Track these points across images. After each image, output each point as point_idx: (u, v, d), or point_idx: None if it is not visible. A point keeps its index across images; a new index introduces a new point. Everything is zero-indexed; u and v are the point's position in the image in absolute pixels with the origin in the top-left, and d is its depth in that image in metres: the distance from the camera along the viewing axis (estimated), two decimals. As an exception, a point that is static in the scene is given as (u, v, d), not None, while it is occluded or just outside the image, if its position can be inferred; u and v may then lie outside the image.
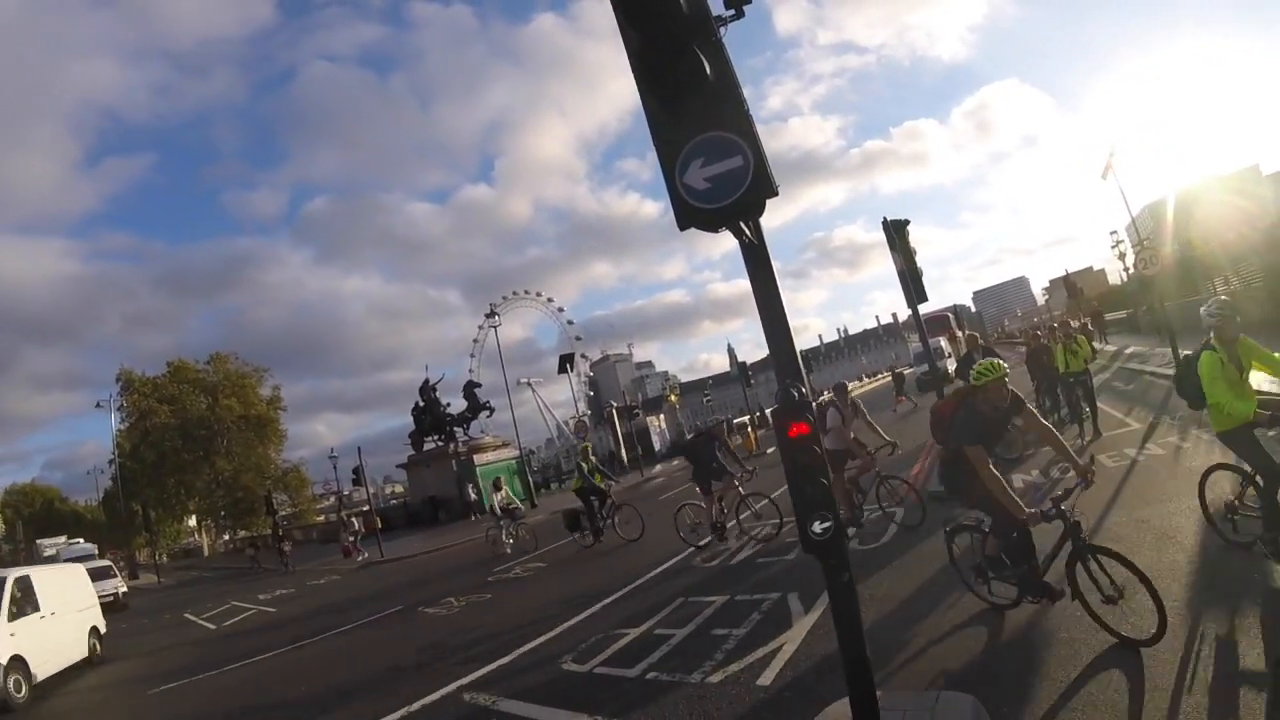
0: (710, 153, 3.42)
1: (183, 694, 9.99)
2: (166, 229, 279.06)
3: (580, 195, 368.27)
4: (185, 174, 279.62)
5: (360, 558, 25.29)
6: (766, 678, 5.50)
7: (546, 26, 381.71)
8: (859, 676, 3.53)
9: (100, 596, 25.23)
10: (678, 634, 7.10)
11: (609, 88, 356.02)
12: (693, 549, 11.37)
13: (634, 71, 3.65)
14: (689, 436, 25.43)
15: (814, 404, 11.22)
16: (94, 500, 71.45)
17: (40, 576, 13.47)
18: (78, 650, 13.75)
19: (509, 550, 16.37)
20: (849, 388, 10.58)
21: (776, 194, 3.36)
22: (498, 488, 17.57)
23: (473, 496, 34.38)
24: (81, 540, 46.26)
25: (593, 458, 16.04)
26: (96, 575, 26.78)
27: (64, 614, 13.55)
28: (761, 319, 3.55)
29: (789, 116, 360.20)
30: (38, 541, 49.49)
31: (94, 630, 14.85)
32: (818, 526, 3.32)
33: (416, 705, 6.80)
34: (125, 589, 27.44)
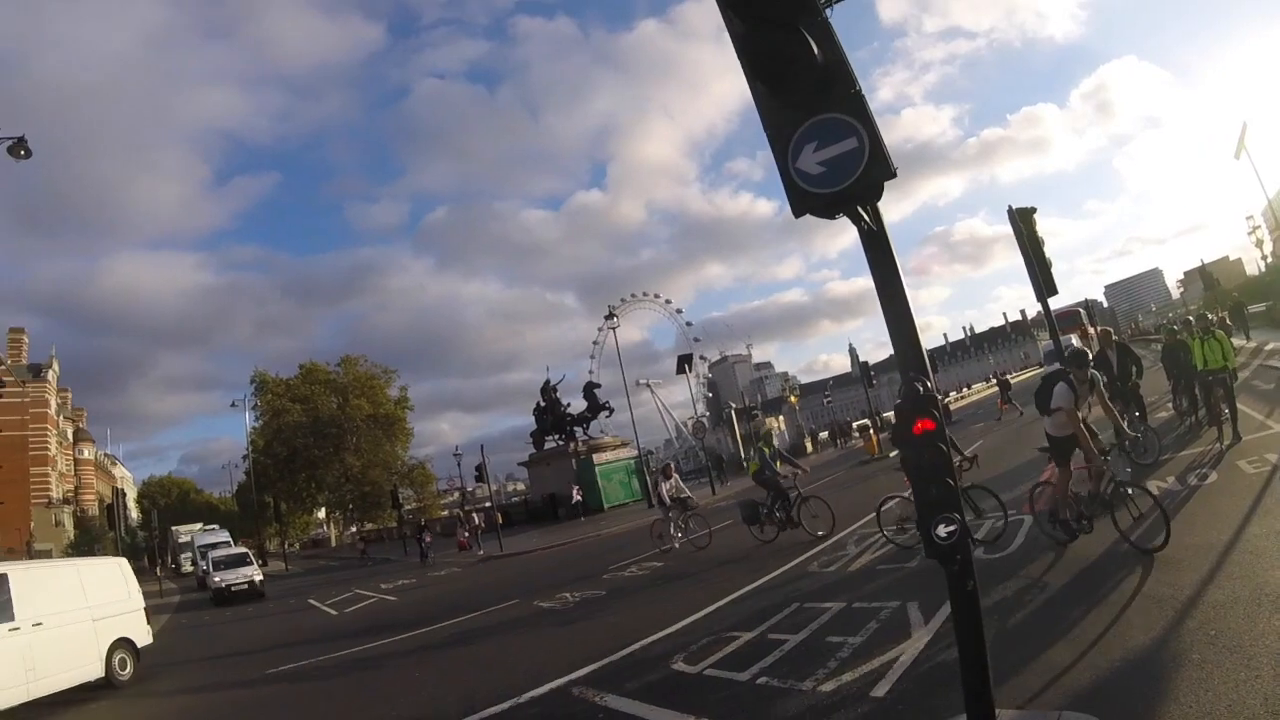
0: (823, 136, 3.27)
1: (300, 673, 10.51)
2: (293, 241, 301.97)
3: (691, 197, 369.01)
4: (308, 190, 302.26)
5: (479, 552, 26.07)
6: (881, 689, 5.26)
7: (648, 32, 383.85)
8: (978, 691, 3.30)
9: (235, 584, 25.15)
10: (791, 639, 6.90)
11: (714, 89, 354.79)
12: (812, 553, 11.05)
13: (739, 57, 3.54)
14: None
15: (1044, 376, 10.21)
16: (228, 492, 76.87)
17: (24, 576, 10.91)
18: (82, 669, 11.02)
19: (678, 545, 15.18)
20: (1089, 354, 8.36)
21: (894, 175, 3.18)
22: (667, 475, 16.41)
23: (577, 498, 34.67)
24: (216, 527, 48.92)
25: (775, 442, 14.49)
26: (235, 562, 26.95)
27: (61, 624, 10.84)
28: (883, 309, 3.37)
29: (901, 108, 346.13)
30: (173, 528, 53.05)
31: (122, 643, 11.99)
32: (942, 530, 3.12)
33: (525, 697, 6.86)
34: (261, 577, 26.81)
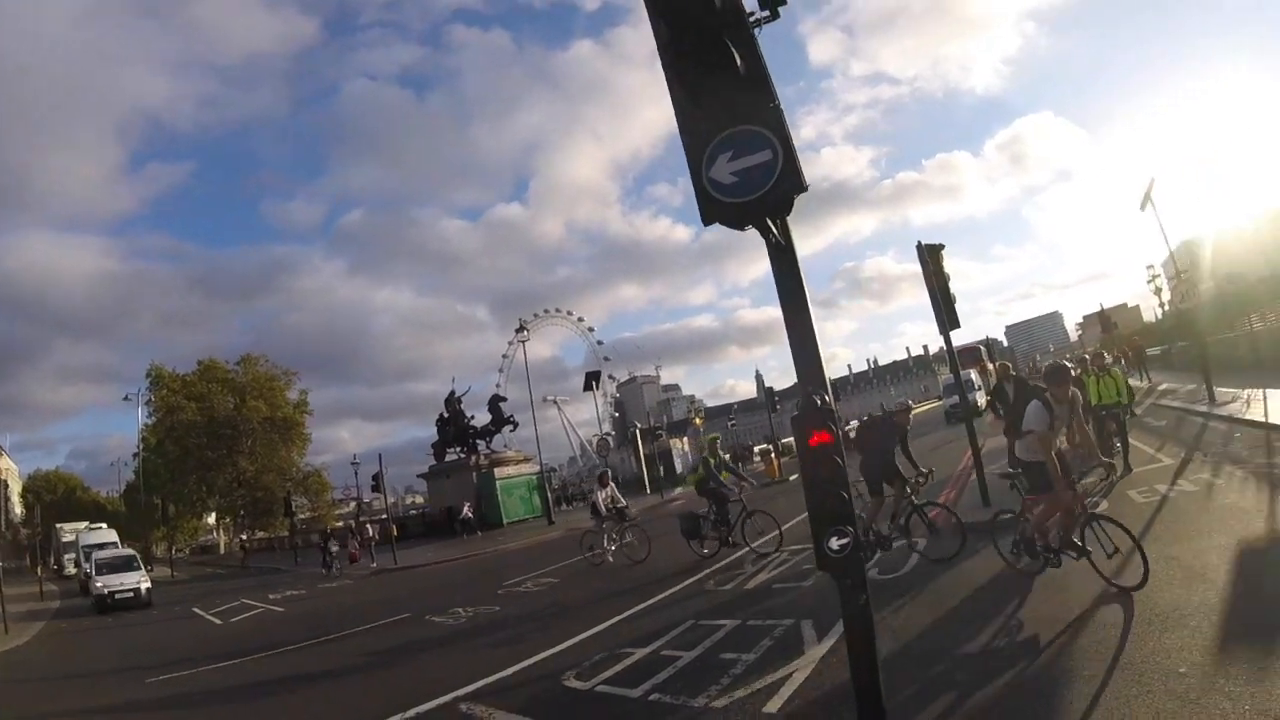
0: (739, 147, 3.29)
1: (180, 683, 9.94)
2: (204, 233, 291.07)
3: (612, 218, 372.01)
4: (225, 182, 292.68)
5: (372, 565, 25.21)
6: (773, 705, 5.26)
7: (583, 53, 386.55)
8: (871, 707, 3.31)
9: (120, 591, 22.38)
10: (685, 656, 6.87)
11: (643, 114, 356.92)
12: (708, 571, 11.10)
13: (663, 63, 3.55)
14: (862, 419, 20.34)
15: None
16: (116, 491, 72.30)
17: None
18: None
19: (611, 557, 14.17)
20: (1070, 369, 7.30)
21: (805, 189, 3.22)
22: (603, 484, 15.21)
23: (467, 514, 33.63)
24: (104, 526, 45.37)
25: (722, 453, 13.76)
26: (120, 566, 24.23)
27: None
28: (786, 324, 3.39)
29: (821, 146, 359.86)
30: (58, 525, 49.42)
31: None
32: (835, 543, 3.13)
33: (412, 712, 6.65)
34: (149, 584, 23.56)
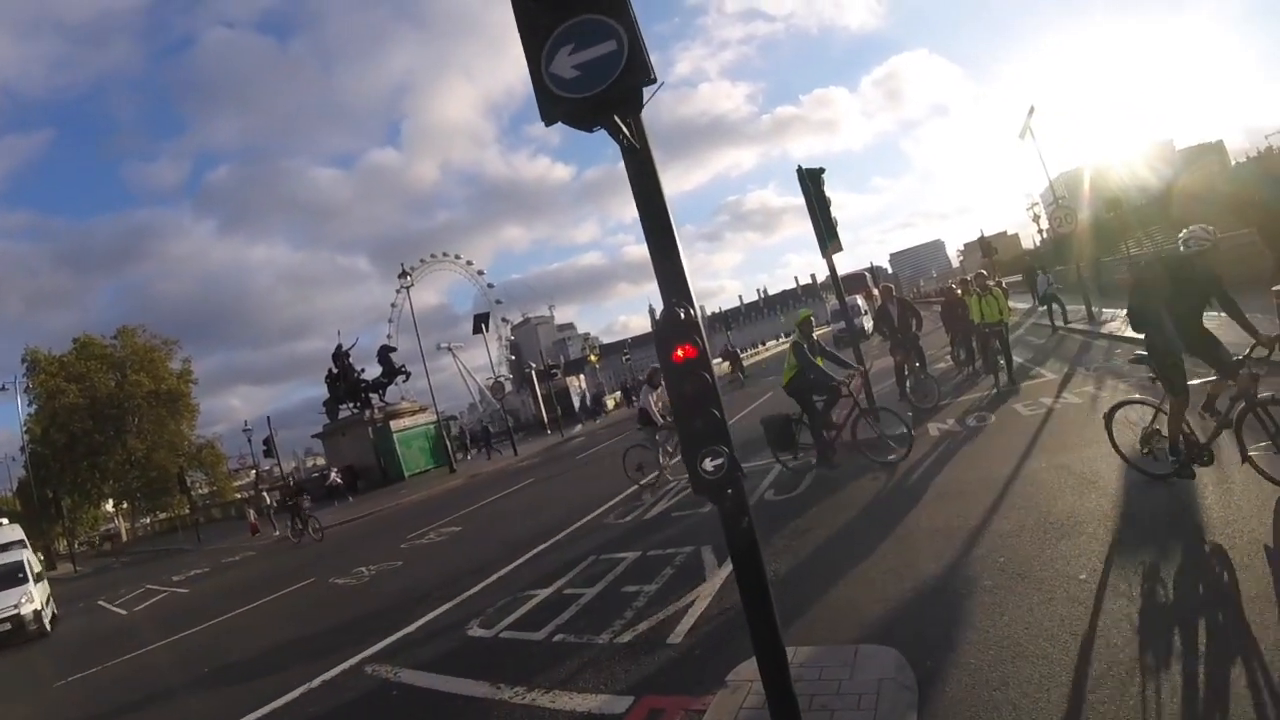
0: (580, 38, 2.96)
1: (90, 683, 9.37)
2: (66, 205, 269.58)
3: (489, 159, 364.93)
4: (84, 148, 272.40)
5: (274, 534, 24.25)
6: (677, 635, 5.24)
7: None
8: (765, 631, 3.17)
9: None
10: (588, 593, 6.82)
11: (515, 50, 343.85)
12: (608, 505, 11.04)
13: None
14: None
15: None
16: (9, 491, 67.38)
17: None
18: None
19: (671, 476, 11.65)
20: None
21: (654, 81, 2.93)
22: (654, 385, 12.27)
23: (335, 480, 32.27)
24: (5, 521, 38.96)
25: (816, 338, 9.97)
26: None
27: None
28: (645, 233, 3.12)
29: (698, 82, 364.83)
30: None
31: None
32: (709, 464, 2.95)
33: (316, 681, 6.45)
34: (38, 604, 15.74)
